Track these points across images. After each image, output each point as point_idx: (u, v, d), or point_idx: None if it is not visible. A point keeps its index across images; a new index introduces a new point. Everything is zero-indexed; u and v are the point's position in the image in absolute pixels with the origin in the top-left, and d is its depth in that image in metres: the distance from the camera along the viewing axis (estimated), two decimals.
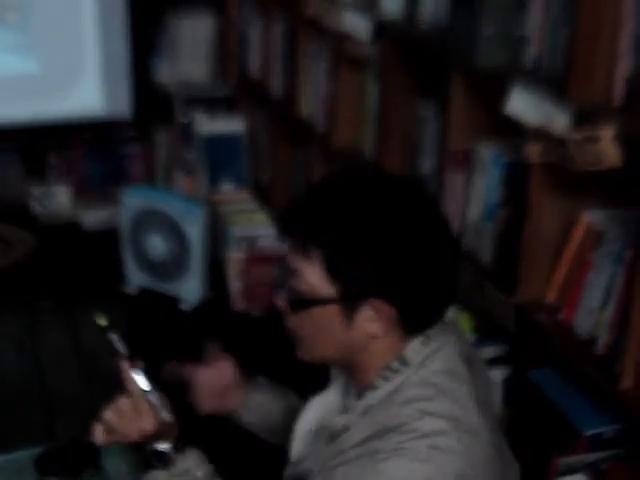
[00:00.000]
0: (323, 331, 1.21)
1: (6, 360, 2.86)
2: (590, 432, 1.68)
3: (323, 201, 1.20)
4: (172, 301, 3.21)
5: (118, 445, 1.67)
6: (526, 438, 1.76)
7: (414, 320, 1.20)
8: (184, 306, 3.20)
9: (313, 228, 1.19)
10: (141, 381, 1.31)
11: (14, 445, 1.71)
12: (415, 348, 1.20)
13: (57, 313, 3.16)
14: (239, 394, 1.58)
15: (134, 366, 1.32)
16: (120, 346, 1.33)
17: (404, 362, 1.20)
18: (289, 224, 1.24)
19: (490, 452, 1.17)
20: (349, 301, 1.18)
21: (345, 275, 1.17)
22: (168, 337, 3.01)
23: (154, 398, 1.30)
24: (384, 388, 1.20)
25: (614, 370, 1.61)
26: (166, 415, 1.30)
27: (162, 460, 1.34)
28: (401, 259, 1.16)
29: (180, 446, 1.35)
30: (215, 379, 1.58)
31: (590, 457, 1.68)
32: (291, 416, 1.47)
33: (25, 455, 1.65)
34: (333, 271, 1.17)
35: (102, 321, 1.32)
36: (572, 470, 1.67)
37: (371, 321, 1.19)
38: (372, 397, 1.21)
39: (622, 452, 1.68)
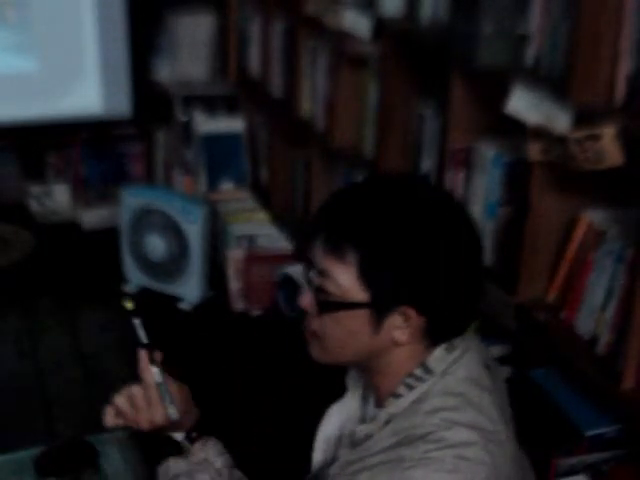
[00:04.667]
0: (348, 335, 1.19)
1: (5, 360, 2.86)
2: (591, 432, 1.68)
3: (364, 205, 1.18)
4: (172, 300, 3.20)
5: (117, 446, 1.67)
6: (526, 438, 1.75)
7: (441, 330, 1.19)
8: (184, 305, 3.20)
9: (352, 232, 1.16)
10: (156, 373, 1.30)
11: (13, 445, 1.70)
12: (438, 356, 1.19)
13: (56, 313, 3.15)
14: None
15: (152, 357, 1.30)
16: (142, 333, 1.31)
17: (427, 370, 1.18)
18: (326, 225, 1.20)
19: (513, 462, 1.16)
20: (380, 307, 1.16)
21: (379, 281, 1.15)
22: (168, 337, 3.01)
23: (166, 392, 1.29)
24: (408, 397, 1.18)
25: (615, 370, 1.61)
26: (173, 412, 1.29)
27: (176, 449, 1.34)
28: (436, 269, 1.15)
29: (195, 436, 1.34)
30: None
31: (591, 458, 1.67)
32: None
33: (24, 455, 1.64)
34: (367, 276, 1.15)
35: (129, 304, 1.30)
36: (573, 471, 1.67)
37: (398, 328, 1.17)
38: (395, 405, 1.19)
39: (623, 453, 1.68)
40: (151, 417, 1.29)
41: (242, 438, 2.31)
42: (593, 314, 1.71)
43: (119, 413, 1.31)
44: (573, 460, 1.67)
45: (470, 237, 1.20)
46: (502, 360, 1.93)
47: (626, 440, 1.67)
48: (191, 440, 1.34)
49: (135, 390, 1.30)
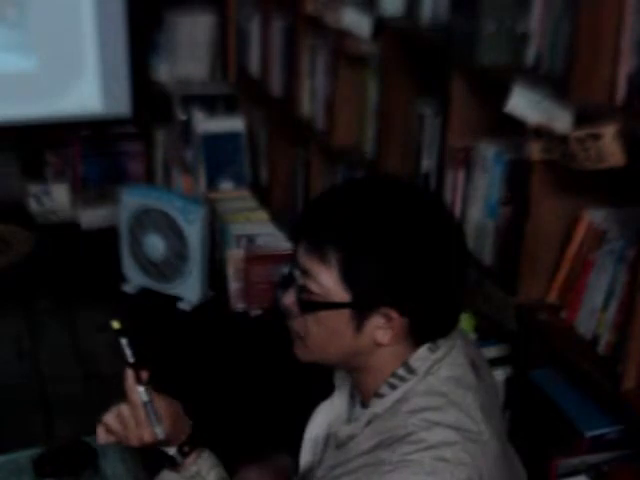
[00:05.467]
0: (330, 335, 1.20)
1: (5, 360, 2.85)
2: (592, 433, 1.68)
3: (347, 207, 1.19)
4: (171, 300, 3.20)
5: (116, 446, 1.67)
6: (527, 439, 1.75)
7: (424, 331, 1.19)
8: (183, 305, 3.19)
9: (334, 233, 1.17)
10: (142, 392, 1.30)
11: (12, 446, 1.70)
12: (421, 355, 1.19)
13: (56, 313, 3.15)
14: None
15: (139, 376, 1.30)
16: (128, 353, 1.31)
17: (410, 370, 1.19)
18: (308, 225, 1.21)
19: (497, 461, 1.16)
20: (361, 308, 1.17)
21: (360, 282, 1.16)
22: (167, 337, 3.00)
23: (151, 412, 1.29)
24: (390, 396, 1.19)
25: (616, 370, 1.60)
26: (160, 431, 1.28)
27: (169, 462, 1.34)
28: (418, 271, 1.15)
29: (187, 451, 1.34)
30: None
31: (592, 458, 1.67)
32: None
33: (23, 456, 1.64)
34: (349, 277, 1.16)
35: (115, 324, 1.30)
36: (573, 472, 1.66)
37: (380, 329, 1.17)
38: (378, 405, 1.19)
39: (624, 453, 1.67)
40: (139, 435, 1.29)
41: (242, 438, 2.31)
42: (594, 314, 1.71)
43: (110, 431, 1.31)
44: (574, 461, 1.67)
45: (454, 239, 1.20)
46: (502, 360, 1.93)
47: (627, 441, 1.67)
48: (183, 454, 1.34)
49: (123, 409, 1.30)
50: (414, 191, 1.25)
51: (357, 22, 2.44)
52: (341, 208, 1.19)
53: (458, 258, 1.20)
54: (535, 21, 1.77)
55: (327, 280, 1.17)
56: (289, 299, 1.23)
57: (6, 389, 2.69)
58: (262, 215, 3.38)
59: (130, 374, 1.30)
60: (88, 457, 1.61)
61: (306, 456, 1.37)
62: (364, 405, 1.25)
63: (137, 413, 1.29)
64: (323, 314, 1.19)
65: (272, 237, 3.22)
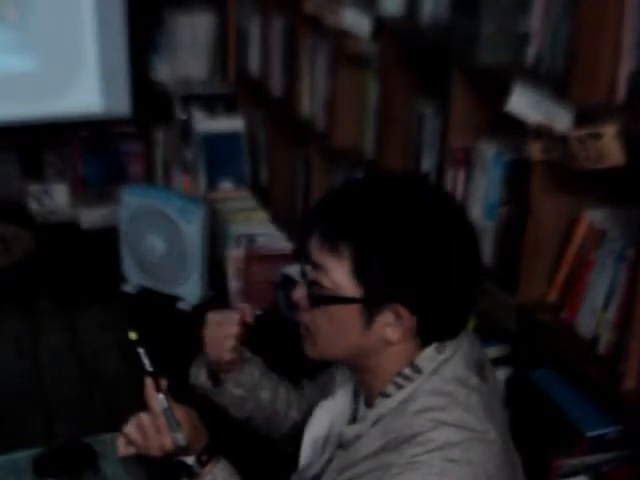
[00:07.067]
0: (339, 330, 1.20)
1: (5, 360, 2.85)
2: (592, 433, 1.67)
3: (361, 202, 1.19)
4: (171, 300, 3.20)
5: (116, 447, 1.66)
6: (527, 439, 1.74)
7: (433, 331, 1.19)
8: (183, 305, 3.19)
9: (348, 228, 1.17)
10: (162, 400, 1.30)
11: (12, 446, 1.70)
12: (428, 355, 1.19)
13: (56, 313, 3.15)
14: (236, 358, 1.54)
15: (158, 384, 1.30)
16: (146, 362, 1.31)
17: (416, 369, 1.19)
18: (322, 220, 1.21)
19: (502, 460, 1.16)
20: (372, 304, 1.17)
21: (372, 278, 1.16)
22: (167, 337, 3.00)
23: (172, 419, 1.29)
24: (396, 396, 1.18)
25: (616, 370, 1.60)
26: (181, 437, 1.29)
27: (187, 472, 1.34)
28: (430, 269, 1.15)
29: (205, 460, 1.33)
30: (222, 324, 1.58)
31: (592, 459, 1.67)
32: (277, 396, 1.49)
33: (23, 456, 1.64)
34: (361, 272, 1.16)
35: (132, 335, 1.30)
36: (573, 472, 1.66)
37: (390, 327, 1.17)
38: (383, 405, 1.19)
39: (624, 454, 1.67)
40: (161, 443, 1.29)
41: (241, 438, 2.31)
42: (594, 314, 1.70)
43: (130, 442, 1.31)
44: (574, 461, 1.67)
45: (467, 239, 1.20)
46: (502, 361, 1.93)
47: (627, 441, 1.67)
48: (201, 463, 1.33)
49: (143, 418, 1.30)
50: (428, 189, 1.25)
51: (357, 22, 2.43)
52: (356, 203, 1.19)
53: (470, 260, 1.20)
54: (535, 20, 1.77)
55: (339, 275, 1.17)
56: (299, 293, 1.24)
57: (6, 389, 2.69)
58: (262, 215, 3.38)
59: (149, 382, 1.30)
60: (88, 458, 1.60)
61: (306, 455, 1.37)
62: (368, 404, 1.25)
63: (157, 421, 1.29)
64: (333, 309, 1.19)
65: (272, 237, 3.22)
